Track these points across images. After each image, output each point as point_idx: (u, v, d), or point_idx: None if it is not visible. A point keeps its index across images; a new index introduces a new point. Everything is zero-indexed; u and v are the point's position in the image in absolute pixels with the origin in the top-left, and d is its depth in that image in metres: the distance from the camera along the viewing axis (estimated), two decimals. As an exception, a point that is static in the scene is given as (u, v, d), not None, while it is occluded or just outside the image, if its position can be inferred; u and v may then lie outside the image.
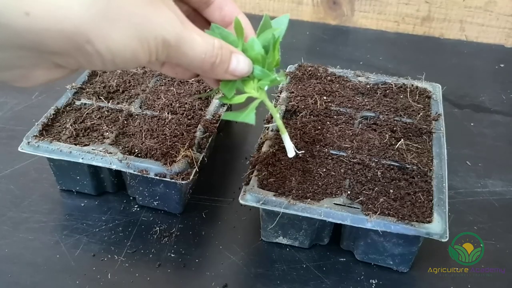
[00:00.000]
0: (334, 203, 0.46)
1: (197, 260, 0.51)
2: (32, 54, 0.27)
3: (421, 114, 0.57)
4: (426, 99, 0.61)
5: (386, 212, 0.46)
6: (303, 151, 0.50)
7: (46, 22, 0.24)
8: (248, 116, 0.38)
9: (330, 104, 0.59)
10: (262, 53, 0.38)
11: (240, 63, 0.37)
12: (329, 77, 0.63)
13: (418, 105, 0.59)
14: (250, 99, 0.41)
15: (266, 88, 0.40)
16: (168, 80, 0.63)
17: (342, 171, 0.50)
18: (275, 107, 0.53)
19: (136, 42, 0.29)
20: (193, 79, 0.63)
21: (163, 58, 0.32)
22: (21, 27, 0.24)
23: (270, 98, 0.59)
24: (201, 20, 0.39)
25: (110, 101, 0.60)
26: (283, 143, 0.52)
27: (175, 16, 0.31)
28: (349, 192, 0.48)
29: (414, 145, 0.53)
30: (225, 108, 0.59)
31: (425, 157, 0.52)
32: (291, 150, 0.47)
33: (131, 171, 0.51)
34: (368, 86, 0.62)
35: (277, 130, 0.55)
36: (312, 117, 0.57)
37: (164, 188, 0.53)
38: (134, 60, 0.30)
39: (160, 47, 0.30)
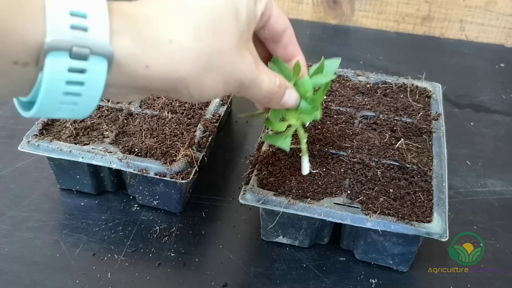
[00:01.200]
0: (334, 203, 0.46)
1: (197, 260, 0.51)
2: (138, 90, 0.32)
3: (421, 113, 0.57)
4: (426, 98, 0.61)
5: (386, 212, 0.46)
6: (317, 170, 0.51)
7: (160, 73, 0.29)
8: (284, 142, 0.44)
9: (330, 103, 0.59)
10: (311, 93, 0.43)
11: (291, 98, 0.41)
12: (329, 77, 0.63)
13: (418, 105, 0.59)
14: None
15: (307, 124, 0.44)
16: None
17: (342, 170, 0.50)
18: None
19: (221, 85, 0.33)
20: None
21: (231, 93, 0.36)
22: (139, 75, 0.29)
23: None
24: (261, 46, 0.41)
25: (110, 100, 0.60)
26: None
27: (253, 60, 0.36)
28: (349, 192, 0.48)
29: (414, 144, 0.53)
30: (225, 107, 0.59)
31: (425, 156, 0.52)
32: (306, 169, 0.49)
33: (131, 171, 0.51)
34: (368, 86, 0.62)
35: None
36: (312, 116, 0.57)
37: (164, 187, 0.53)
38: (214, 97, 0.35)
39: (236, 87, 0.35)
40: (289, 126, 0.45)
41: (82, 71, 0.26)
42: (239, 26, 0.33)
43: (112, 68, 0.27)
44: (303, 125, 0.47)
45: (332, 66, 0.45)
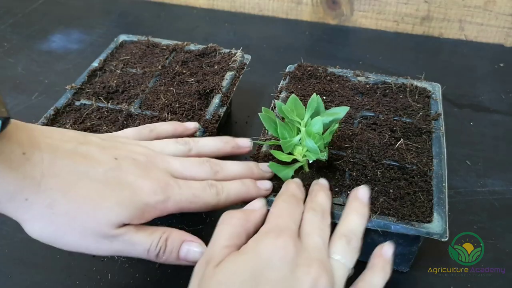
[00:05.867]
0: (333, 203, 0.46)
1: (197, 260, 0.51)
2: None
3: (420, 113, 0.57)
4: (426, 98, 0.61)
5: (386, 212, 0.46)
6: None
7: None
8: (287, 174, 0.47)
9: (329, 104, 0.59)
10: (320, 132, 0.46)
11: (190, 252, 0.41)
12: (328, 77, 0.63)
13: (418, 105, 0.59)
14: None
15: (311, 161, 0.47)
16: (168, 80, 0.63)
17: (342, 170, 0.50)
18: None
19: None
20: (192, 79, 0.63)
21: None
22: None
23: (270, 99, 0.60)
24: None
25: (110, 101, 0.60)
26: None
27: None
28: (348, 192, 0.48)
29: (414, 144, 0.53)
30: (224, 108, 0.59)
31: (425, 156, 0.52)
32: None
33: (131, 172, 0.51)
34: (368, 86, 0.62)
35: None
36: (311, 117, 0.57)
37: (164, 189, 0.53)
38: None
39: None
40: (295, 160, 0.47)
41: None
42: None
43: None
44: (310, 163, 0.49)
45: (342, 111, 0.48)
